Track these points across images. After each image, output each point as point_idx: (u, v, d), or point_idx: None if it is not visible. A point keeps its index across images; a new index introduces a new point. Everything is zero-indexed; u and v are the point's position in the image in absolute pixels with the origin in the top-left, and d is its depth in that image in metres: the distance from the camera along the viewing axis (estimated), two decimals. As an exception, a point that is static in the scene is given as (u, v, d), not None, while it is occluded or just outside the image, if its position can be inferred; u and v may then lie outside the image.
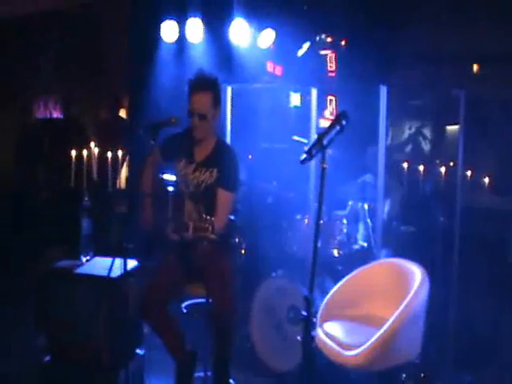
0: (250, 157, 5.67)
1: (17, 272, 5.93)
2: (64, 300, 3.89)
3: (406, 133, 7.05)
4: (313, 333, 2.41)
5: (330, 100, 6.63)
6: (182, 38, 5.44)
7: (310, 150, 2.41)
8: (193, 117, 3.58)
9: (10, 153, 7.25)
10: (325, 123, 6.45)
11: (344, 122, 2.49)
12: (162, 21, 5.43)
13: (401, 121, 7.03)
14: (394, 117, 6.03)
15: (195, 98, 3.58)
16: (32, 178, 7.09)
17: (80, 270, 3.93)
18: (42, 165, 7.12)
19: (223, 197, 3.58)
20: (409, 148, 7.00)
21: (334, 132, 2.48)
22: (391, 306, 3.29)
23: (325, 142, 2.43)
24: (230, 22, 5.22)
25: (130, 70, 6.29)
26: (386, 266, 3.72)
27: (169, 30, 5.43)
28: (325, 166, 2.41)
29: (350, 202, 4.77)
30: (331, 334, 3.38)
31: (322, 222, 2.42)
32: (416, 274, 3.36)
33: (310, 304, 2.37)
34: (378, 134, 4.28)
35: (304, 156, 2.40)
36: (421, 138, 6.98)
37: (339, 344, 3.26)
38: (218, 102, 3.66)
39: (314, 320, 2.39)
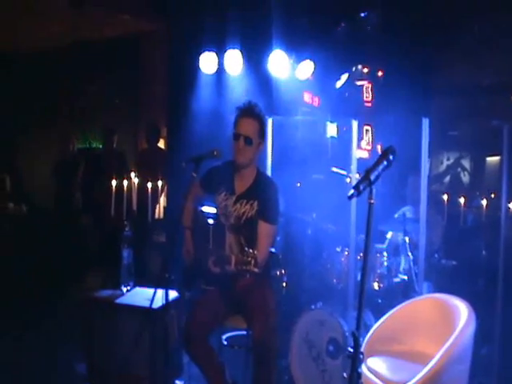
0: (298, 184, 5.64)
1: (58, 298, 5.98)
2: (105, 330, 3.94)
3: (444, 164, 7.00)
4: (359, 370, 2.36)
5: (366, 130, 6.66)
6: (221, 69, 5.47)
7: (357, 185, 2.38)
8: (238, 140, 3.53)
9: (50, 181, 7.36)
10: (361, 153, 6.47)
11: (391, 158, 2.47)
12: (201, 52, 5.48)
13: (438, 152, 6.98)
14: (432, 148, 5.99)
15: (243, 121, 3.55)
16: (70, 206, 7.19)
17: (121, 301, 3.97)
18: (79, 193, 7.23)
19: (264, 229, 3.54)
20: (447, 179, 6.95)
21: (381, 167, 2.44)
22: (436, 343, 3.24)
23: (372, 177, 2.39)
24: (269, 53, 5.22)
25: (170, 101, 6.37)
26: (429, 301, 3.67)
27: (208, 62, 5.48)
28: (372, 201, 2.38)
29: (389, 235, 4.73)
30: (375, 369, 3.34)
31: (362, 254, 2.40)
32: (461, 309, 3.31)
33: (357, 341, 2.34)
34: (419, 165, 4.24)
35: (352, 192, 2.38)
36: (459, 169, 6.93)
37: (383, 380, 3.22)
38: (263, 133, 3.65)
39: (361, 356, 2.34)
